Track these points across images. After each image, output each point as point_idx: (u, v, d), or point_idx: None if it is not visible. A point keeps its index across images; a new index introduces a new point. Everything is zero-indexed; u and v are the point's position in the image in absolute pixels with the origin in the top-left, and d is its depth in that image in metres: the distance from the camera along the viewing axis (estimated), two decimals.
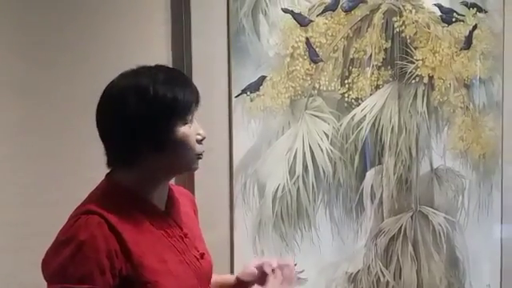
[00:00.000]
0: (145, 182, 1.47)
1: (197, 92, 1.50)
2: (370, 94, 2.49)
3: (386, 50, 2.52)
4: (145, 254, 1.41)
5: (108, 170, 1.51)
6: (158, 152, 1.44)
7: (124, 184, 1.47)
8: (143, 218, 1.46)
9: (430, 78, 2.63)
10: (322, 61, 2.36)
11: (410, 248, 2.63)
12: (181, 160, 1.48)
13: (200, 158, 1.50)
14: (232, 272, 2.18)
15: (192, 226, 1.60)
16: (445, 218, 2.72)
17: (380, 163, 2.55)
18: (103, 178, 1.51)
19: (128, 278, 1.38)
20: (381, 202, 2.56)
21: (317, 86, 2.36)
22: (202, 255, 1.55)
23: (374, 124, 2.51)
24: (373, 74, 2.49)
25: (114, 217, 1.39)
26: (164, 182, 1.51)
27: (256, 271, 1.66)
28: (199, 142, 1.48)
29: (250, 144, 2.21)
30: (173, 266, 1.46)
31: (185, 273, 1.48)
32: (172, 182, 1.67)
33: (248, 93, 2.19)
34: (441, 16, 2.65)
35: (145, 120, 1.42)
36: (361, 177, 2.50)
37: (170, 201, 1.54)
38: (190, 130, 1.46)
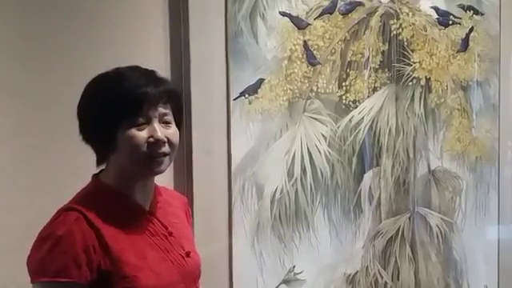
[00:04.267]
0: (121, 181, 1.49)
1: (161, 92, 1.46)
2: (368, 97, 2.50)
3: (383, 52, 2.53)
4: (124, 250, 1.44)
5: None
6: (112, 152, 1.47)
7: (106, 183, 1.51)
8: (124, 215, 1.48)
9: (427, 80, 2.65)
10: (319, 63, 2.37)
11: (408, 249, 2.64)
12: (131, 162, 1.47)
13: (160, 160, 1.47)
14: (231, 275, 2.19)
15: (180, 226, 1.61)
16: (442, 219, 2.73)
17: (378, 165, 2.56)
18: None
19: (107, 272, 1.41)
20: (379, 204, 2.57)
21: (314, 88, 2.37)
22: (188, 254, 1.57)
23: (371, 126, 2.52)
24: (370, 76, 2.50)
25: (94, 213, 1.43)
26: (141, 181, 1.51)
27: None
28: (152, 144, 1.45)
29: (249, 146, 2.22)
30: (154, 262, 1.48)
31: (167, 270, 1.50)
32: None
33: (246, 95, 2.20)
34: (437, 19, 2.66)
35: (89, 120, 1.48)
36: (359, 178, 2.51)
37: (155, 201, 1.56)
38: (135, 132, 1.44)
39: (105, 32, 1.96)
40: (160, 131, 1.45)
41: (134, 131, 1.44)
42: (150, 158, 1.46)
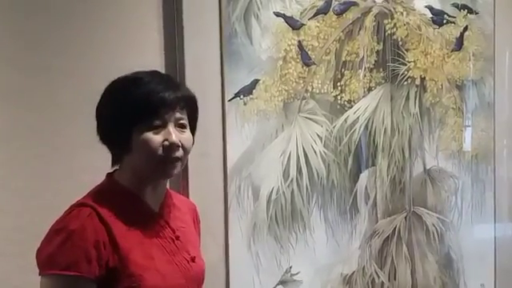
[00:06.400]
0: (134, 181, 1.52)
1: (178, 97, 1.49)
2: (363, 96, 2.50)
3: (377, 52, 2.53)
4: (132, 249, 1.45)
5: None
6: (127, 153, 1.49)
7: (119, 182, 1.52)
8: (135, 215, 1.50)
9: (422, 79, 2.65)
10: (314, 64, 2.37)
11: (405, 249, 2.64)
12: (145, 164, 1.49)
13: (173, 164, 1.49)
14: (227, 276, 2.18)
15: (187, 231, 1.63)
16: (438, 218, 2.73)
17: (373, 165, 2.56)
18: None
19: (115, 269, 1.43)
20: (375, 204, 2.57)
21: (310, 88, 2.37)
22: (194, 258, 1.59)
23: (367, 126, 2.52)
24: (365, 76, 2.50)
25: (106, 210, 1.45)
26: (153, 184, 1.54)
27: None
28: (167, 147, 1.47)
29: (244, 147, 2.22)
30: (160, 264, 1.50)
31: (173, 272, 1.52)
32: (167, 185, 1.68)
33: (241, 96, 2.19)
34: (432, 18, 2.66)
35: (107, 121, 1.50)
36: (354, 178, 2.51)
37: (165, 204, 1.58)
38: (151, 136, 1.46)
39: (99, 34, 1.96)
40: (175, 135, 1.47)
41: (149, 134, 1.46)
42: (163, 161, 1.48)
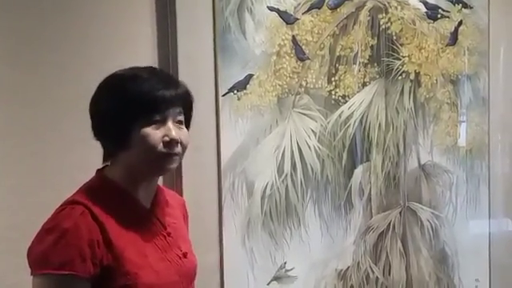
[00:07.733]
0: (127, 178, 1.50)
1: (178, 95, 1.49)
2: (357, 91, 2.49)
3: (372, 47, 2.52)
4: (126, 247, 1.44)
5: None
6: (124, 149, 1.48)
7: (110, 178, 1.51)
8: (127, 212, 1.49)
9: (417, 74, 2.64)
10: (308, 58, 2.36)
11: (399, 244, 2.64)
12: (144, 159, 1.47)
13: (172, 159, 1.49)
14: (222, 272, 2.18)
15: (178, 227, 1.62)
16: (433, 213, 2.73)
17: (368, 160, 2.55)
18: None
19: (109, 268, 1.42)
20: (369, 199, 2.56)
21: (304, 83, 2.36)
22: (185, 254, 1.58)
23: (361, 121, 2.52)
24: (359, 71, 2.50)
25: (98, 208, 1.44)
26: (147, 180, 1.53)
27: None
28: (167, 143, 1.46)
29: (238, 143, 2.21)
30: (153, 261, 1.49)
31: (166, 269, 1.51)
32: (160, 181, 1.68)
33: (235, 91, 2.19)
34: (426, 12, 2.65)
35: (104, 116, 1.48)
36: (349, 174, 2.51)
37: (156, 200, 1.57)
38: (151, 131, 1.45)
39: (92, 29, 1.95)
40: (174, 131, 1.47)
41: (149, 130, 1.45)
42: (163, 157, 1.47)
